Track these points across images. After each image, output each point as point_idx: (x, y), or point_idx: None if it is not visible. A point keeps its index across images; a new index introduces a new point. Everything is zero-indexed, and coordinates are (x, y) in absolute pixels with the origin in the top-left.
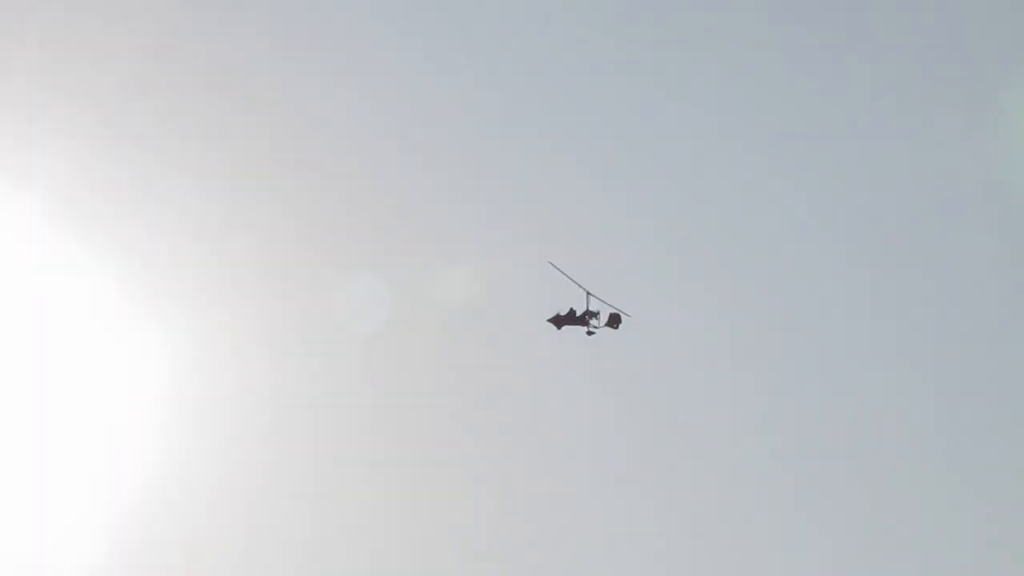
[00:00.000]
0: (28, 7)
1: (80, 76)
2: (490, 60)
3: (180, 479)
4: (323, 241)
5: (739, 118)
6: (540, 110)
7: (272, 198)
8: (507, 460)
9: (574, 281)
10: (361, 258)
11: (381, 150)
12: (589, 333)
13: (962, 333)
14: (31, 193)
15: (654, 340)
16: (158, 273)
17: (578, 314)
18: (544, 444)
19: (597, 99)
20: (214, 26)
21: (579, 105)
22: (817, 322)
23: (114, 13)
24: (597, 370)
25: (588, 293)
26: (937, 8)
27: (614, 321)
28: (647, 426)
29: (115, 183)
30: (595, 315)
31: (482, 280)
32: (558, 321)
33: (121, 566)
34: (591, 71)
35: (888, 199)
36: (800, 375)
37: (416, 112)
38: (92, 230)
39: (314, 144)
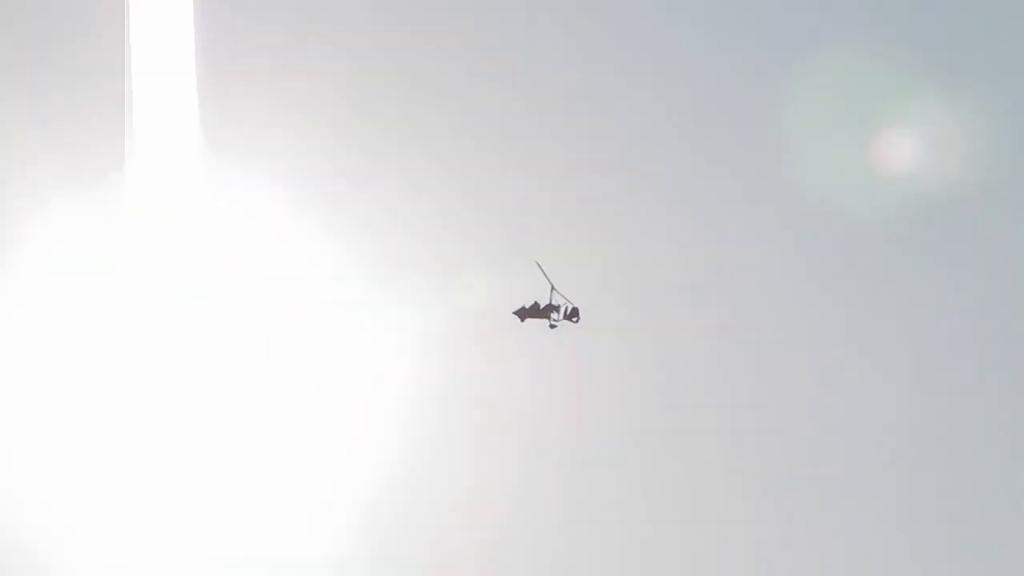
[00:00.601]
0: None
1: (326, 54)
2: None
3: (427, 474)
4: (575, 227)
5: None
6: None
7: (521, 184)
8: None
9: (546, 277)
10: (603, 245)
11: (646, 140)
12: (551, 326)
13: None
14: (277, 177)
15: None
16: (405, 259)
17: (541, 307)
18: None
19: None
20: (469, 9)
21: None
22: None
23: None
24: None
25: (552, 288)
26: None
27: (573, 315)
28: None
29: (363, 166)
30: (556, 309)
31: None
32: (522, 314)
33: (367, 563)
34: None
35: None
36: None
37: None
38: (339, 216)
39: (571, 130)
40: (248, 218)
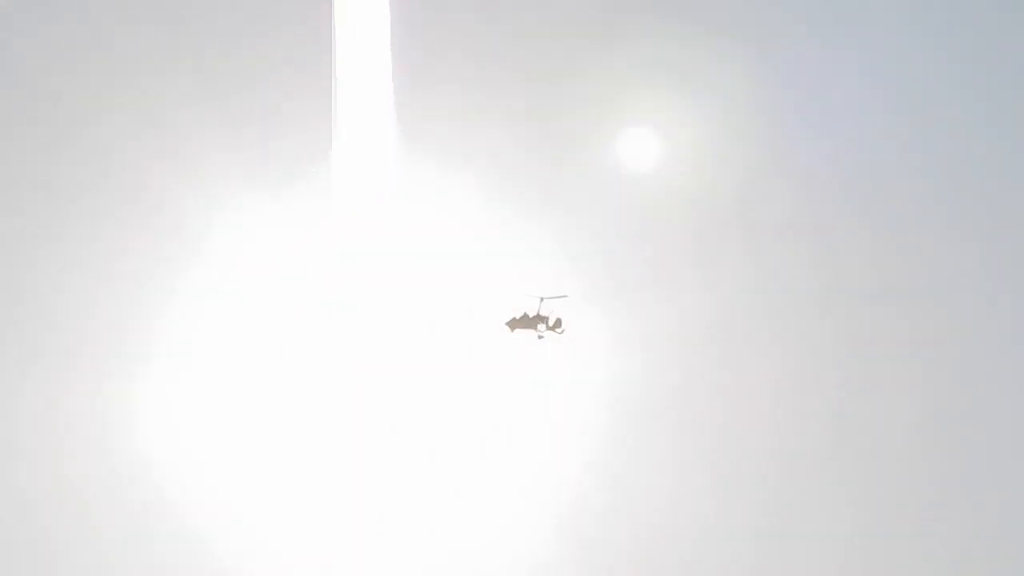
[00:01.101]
0: None
1: (518, 48)
2: None
3: (622, 483)
4: (769, 230)
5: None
6: None
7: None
8: None
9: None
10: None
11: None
12: (539, 337)
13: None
14: (469, 171)
15: None
16: (603, 259)
17: (530, 317)
18: None
19: None
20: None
21: None
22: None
23: None
24: None
25: (540, 298)
26: None
27: (557, 325)
28: None
29: (558, 157)
30: (544, 320)
31: None
32: (512, 324)
33: (562, 571)
34: None
35: None
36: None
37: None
38: (530, 210)
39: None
40: (444, 217)
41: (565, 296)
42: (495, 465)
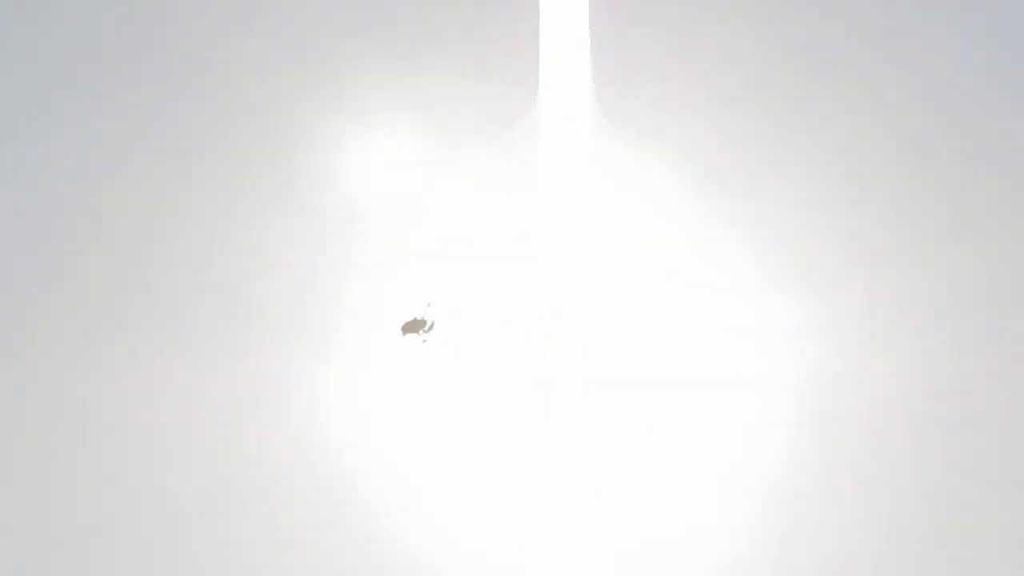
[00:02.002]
0: None
1: (717, 31)
2: None
3: (816, 474)
4: (972, 214)
5: None
6: None
7: (916, 170)
8: None
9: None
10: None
11: None
12: (424, 341)
13: None
14: (663, 155)
15: None
16: (795, 242)
17: (417, 321)
18: None
19: None
20: None
21: None
22: None
23: None
24: None
25: (428, 303)
26: None
27: (430, 328)
28: None
29: (752, 144)
30: (423, 324)
31: None
32: (404, 328)
33: (753, 566)
34: None
35: None
36: None
37: None
38: (725, 195)
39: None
40: (645, 203)
41: (429, 304)
42: (695, 456)
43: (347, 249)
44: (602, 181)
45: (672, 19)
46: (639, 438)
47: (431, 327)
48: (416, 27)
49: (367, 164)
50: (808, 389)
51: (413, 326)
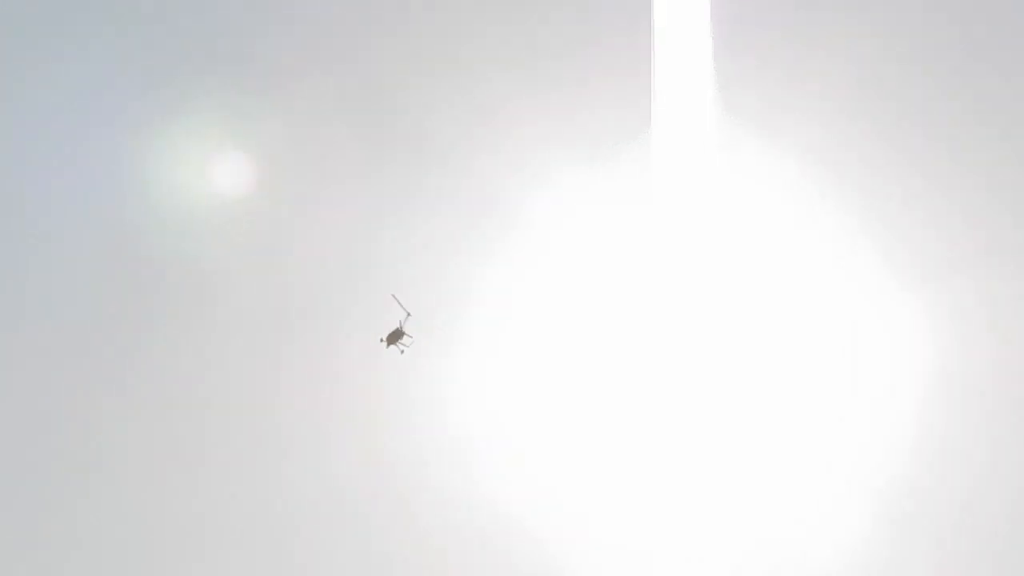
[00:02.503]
0: None
1: (839, 30)
2: None
3: (941, 468)
4: None
5: None
6: None
7: None
8: None
9: (401, 305)
10: None
11: None
12: (402, 352)
13: None
14: (787, 152)
15: None
16: (917, 236)
17: (399, 331)
18: None
19: None
20: None
21: None
22: None
23: None
24: None
25: (408, 314)
26: None
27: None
28: None
29: (873, 141)
30: (401, 335)
31: None
32: (388, 339)
33: (878, 561)
34: None
35: None
36: None
37: None
38: (847, 190)
39: None
40: (768, 198)
41: (409, 314)
42: (822, 451)
43: (482, 248)
44: (726, 176)
45: (794, 17)
46: (765, 434)
47: (409, 338)
48: (545, 37)
49: (500, 167)
50: (933, 382)
51: (394, 337)
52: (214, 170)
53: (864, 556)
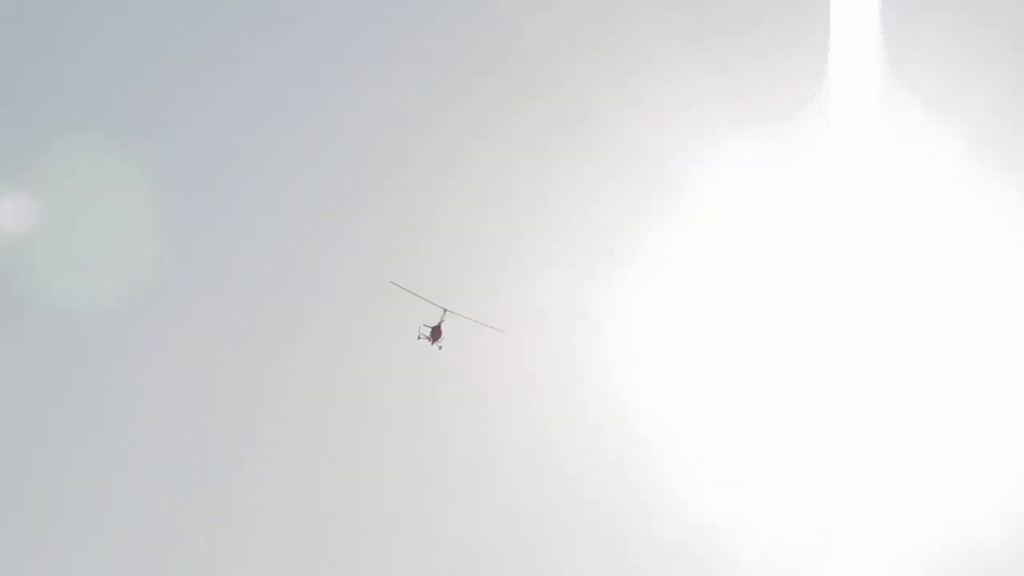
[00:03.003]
0: None
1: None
2: None
3: None
4: None
5: None
6: None
7: None
8: None
9: (423, 298)
10: None
11: None
12: (440, 348)
13: None
14: (955, 128)
15: None
16: None
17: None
18: None
19: None
20: None
21: None
22: None
23: None
24: None
25: (444, 310)
26: None
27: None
28: None
29: None
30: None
31: None
32: (433, 336)
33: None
34: None
35: None
36: None
37: None
38: (1013, 162)
39: None
40: (925, 169)
41: (446, 311)
42: (978, 445)
43: (650, 221)
44: (892, 148)
45: None
46: (933, 421)
47: (440, 337)
48: (713, 15)
49: (668, 140)
50: None
51: (435, 334)
52: None
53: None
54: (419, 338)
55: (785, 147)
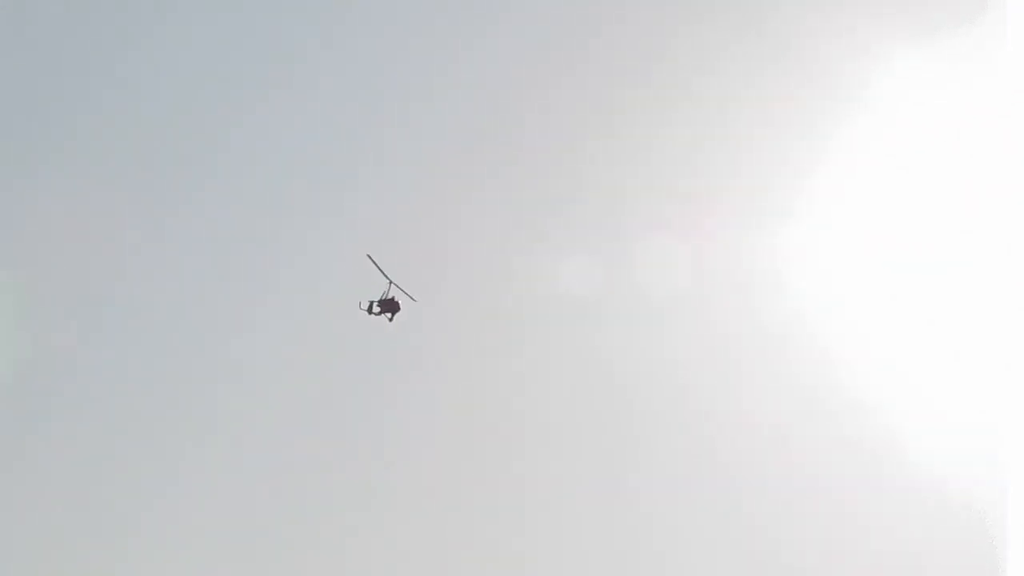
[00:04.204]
0: None
1: None
2: None
3: None
4: None
5: None
6: None
7: None
8: None
9: (384, 274)
10: None
11: None
12: (390, 320)
13: None
14: None
15: None
16: None
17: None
18: None
19: None
20: None
21: None
22: None
23: None
24: None
25: (391, 283)
26: None
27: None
28: None
29: None
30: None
31: None
32: (390, 306)
33: None
34: None
35: None
36: None
37: None
38: None
39: None
40: None
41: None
42: None
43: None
44: None
45: None
46: None
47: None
48: None
49: (842, 49)
50: None
51: (389, 306)
52: None
53: None
54: (371, 311)
55: (960, 59)
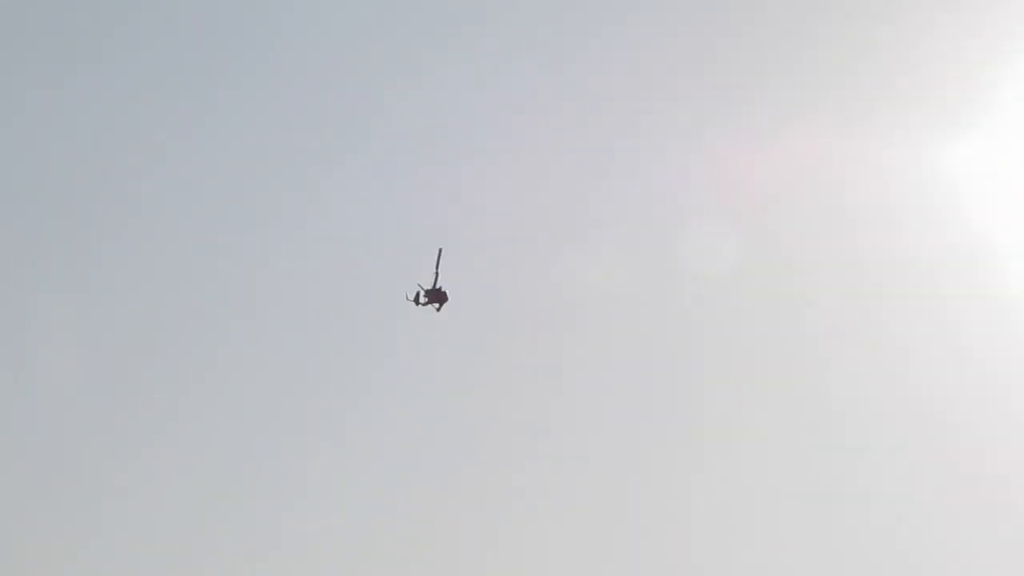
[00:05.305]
0: None
1: None
2: None
3: None
4: None
5: None
6: None
7: None
8: None
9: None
10: None
11: None
12: (438, 310)
13: None
14: None
15: None
16: None
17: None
18: None
19: None
20: None
21: None
22: None
23: None
24: None
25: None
26: None
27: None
28: None
29: None
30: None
31: None
32: (437, 297)
33: None
34: None
35: None
36: None
37: None
38: None
39: None
40: None
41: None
42: None
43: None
44: None
45: None
46: None
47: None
48: None
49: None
50: None
51: (438, 296)
52: None
53: None
54: (418, 302)
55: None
